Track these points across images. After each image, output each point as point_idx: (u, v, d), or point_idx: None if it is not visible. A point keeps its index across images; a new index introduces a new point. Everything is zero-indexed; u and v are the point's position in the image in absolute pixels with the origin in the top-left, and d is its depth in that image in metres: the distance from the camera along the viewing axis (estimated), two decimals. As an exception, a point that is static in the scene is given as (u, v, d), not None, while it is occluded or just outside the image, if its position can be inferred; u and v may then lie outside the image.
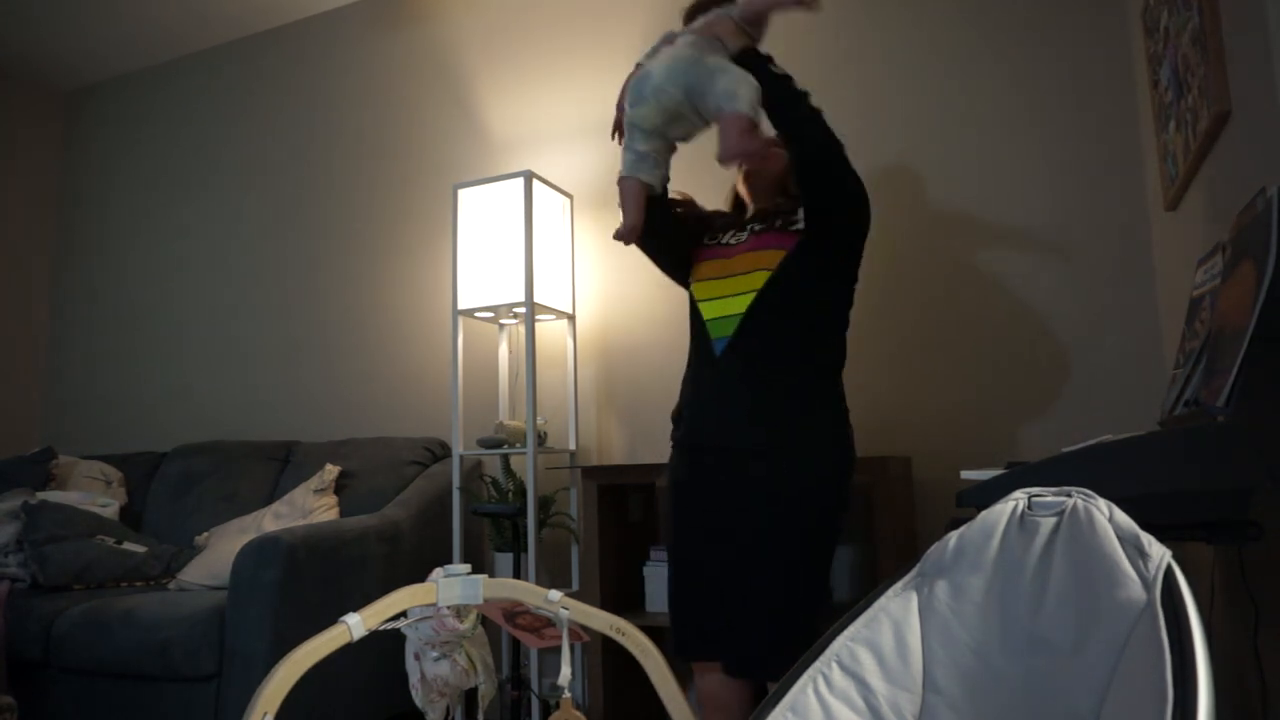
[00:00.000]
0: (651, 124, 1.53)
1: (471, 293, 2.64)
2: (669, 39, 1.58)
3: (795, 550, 1.52)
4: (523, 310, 2.58)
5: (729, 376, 1.59)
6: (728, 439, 1.59)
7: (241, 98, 3.72)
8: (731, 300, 1.62)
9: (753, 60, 1.50)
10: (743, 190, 1.81)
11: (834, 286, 1.63)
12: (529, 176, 2.58)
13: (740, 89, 1.43)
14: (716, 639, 1.57)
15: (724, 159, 1.43)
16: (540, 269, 2.60)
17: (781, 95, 1.50)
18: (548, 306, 2.65)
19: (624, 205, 1.58)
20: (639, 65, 1.59)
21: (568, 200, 2.82)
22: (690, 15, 1.62)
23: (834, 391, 1.60)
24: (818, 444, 1.55)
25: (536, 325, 2.64)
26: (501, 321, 2.86)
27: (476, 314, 2.71)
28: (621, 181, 1.58)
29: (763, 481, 1.54)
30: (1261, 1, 1.14)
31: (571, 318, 2.78)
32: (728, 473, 1.58)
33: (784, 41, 2.66)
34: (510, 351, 2.90)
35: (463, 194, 2.70)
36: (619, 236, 1.59)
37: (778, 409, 1.56)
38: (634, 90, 1.54)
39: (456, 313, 2.66)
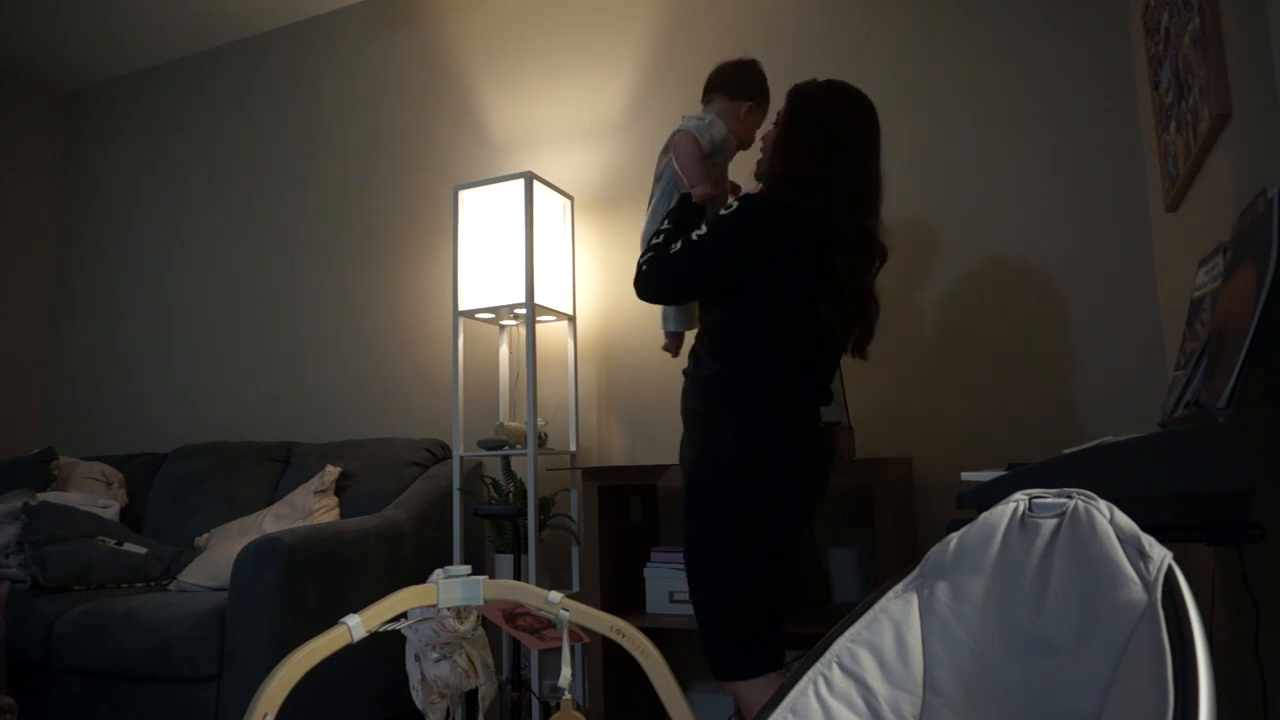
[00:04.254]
0: None
1: (472, 294, 2.64)
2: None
3: (698, 525, 1.63)
4: (523, 311, 2.58)
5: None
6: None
7: (242, 98, 3.72)
8: None
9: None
10: None
11: (731, 306, 1.67)
12: (530, 177, 2.58)
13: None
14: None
15: None
16: (541, 270, 2.60)
17: None
18: (548, 308, 2.65)
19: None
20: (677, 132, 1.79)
21: (568, 201, 2.83)
22: (708, 87, 1.87)
23: (743, 387, 1.64)
24: (711, 434, 1.64)
25: (537, 326, 2.64)
26: (502, 323, 2.86)
27: (477, 315, 2.71)
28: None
29: (686, 468, 1.69)
30: (1262, 3, 1.14)
31: (572, 319, 2.78)
32: None
33: (783, 47, 2.67)
34: (511, 352, 2.90)
35: (463, 195, 2.70)
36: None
37: (690, 404, 1.71)
38: None
39: (457, 314, 2.66)
